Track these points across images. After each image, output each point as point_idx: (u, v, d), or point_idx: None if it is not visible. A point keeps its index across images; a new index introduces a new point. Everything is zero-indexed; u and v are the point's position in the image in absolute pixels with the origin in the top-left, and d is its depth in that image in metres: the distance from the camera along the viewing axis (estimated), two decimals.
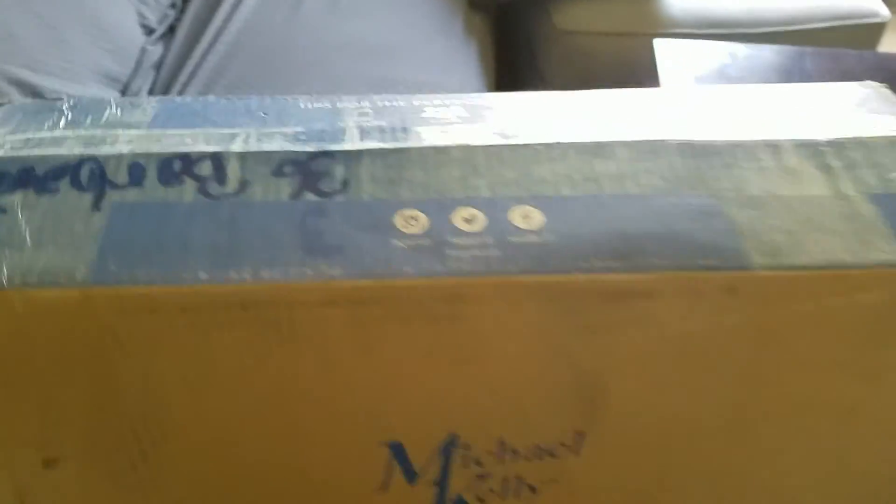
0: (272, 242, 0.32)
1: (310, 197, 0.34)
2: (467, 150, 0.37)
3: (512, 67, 1.75)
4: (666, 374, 0.34)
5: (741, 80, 1.23)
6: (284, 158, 0.36)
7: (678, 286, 0.31)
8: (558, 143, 0.37)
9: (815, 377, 0.34)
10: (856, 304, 0.32)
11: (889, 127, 0.39)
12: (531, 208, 0.34)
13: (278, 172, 0.35)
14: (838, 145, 0.37)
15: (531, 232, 0.33)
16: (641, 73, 1.46)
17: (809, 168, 0.35)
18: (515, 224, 0.33)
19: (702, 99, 0.41)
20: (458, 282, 0.31)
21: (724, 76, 1.23)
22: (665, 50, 1.28)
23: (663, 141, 0.37)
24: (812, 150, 0.37)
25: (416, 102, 0.41)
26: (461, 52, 1.33)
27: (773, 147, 0.37)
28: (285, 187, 0.35)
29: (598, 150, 0.37)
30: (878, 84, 0.45)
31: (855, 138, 0.38)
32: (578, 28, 1.45)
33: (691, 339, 0.33)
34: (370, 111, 0.40)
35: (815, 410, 0.36)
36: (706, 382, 0.34)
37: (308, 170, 0.35)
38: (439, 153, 0.37)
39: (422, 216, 0.33)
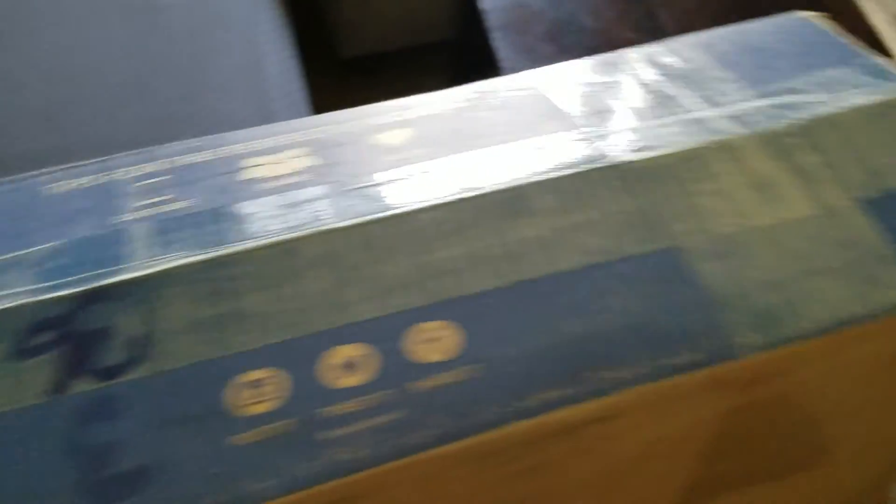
0: (26, 489, 0.19)
1: (82, 387, 0.20)
2: (325, 240, 0.23)
3: None
4: (623, 483, 0.26)
5: None
6: (29, 320, 0.21)
7: (646, 400, 0.22)
8: (455, 200, 0.25)
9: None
10: (862, 356, 0.25)
11: (851, 87, 0.31)
12: (437, 325, 0.22)
13: (21, 350, 0.21)
14: (804, 131, 0.28)
15: (442, 366, 0.22)
16: None
17: (782, 174, 0.26)
18: (417, 358, 0.22)
19: (602, 89, 0.31)
20: (343, 485, 0.19)
21: None
22: None
23: (588, 172, 0.26)
24: (777, 145, 0.28)
25: (229, 151, 0.26)
26: None
27: (728, 151, 0.27)
28: (38, 377, 0.21)
29: (509, 203, 0.25)
30: (812, 14, 0.36)
31: (820, 117, 0.29)
32: None
33: (659, 444, 0.25)
34: (162, 180, 0.25)
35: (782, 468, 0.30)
36: (673, 477, 0.27)
37: (73, 333, 0.21)
38: (284, 253, 0.23)
39: (273, 378, 0.21)
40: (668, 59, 0.33)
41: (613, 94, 0.31)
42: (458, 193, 0.25)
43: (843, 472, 0.32)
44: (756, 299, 0.23)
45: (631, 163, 0.26)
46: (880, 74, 0.31)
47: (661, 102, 0.30)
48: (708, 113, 0.28)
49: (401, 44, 1.56)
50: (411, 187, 0.25)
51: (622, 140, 0.27)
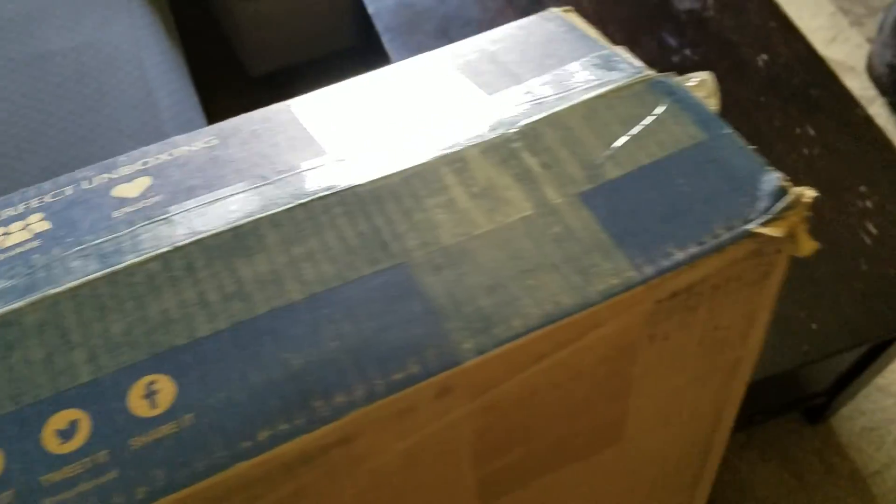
0: None
1: None
2: (48, 306, 0.23)
3: None
4: (402, 496, 0.27)
5: None
6: None
7: (383, 416, 0.23)
8: (184, 245, 0.25)
9: (561, 427, 0.29)
10: (590, 343, 0.26)
11: (579, 82, 0.32)
12: (155, 378, 0.22)
13: None
14: (531, 134, 0.30)
15: (158, 420, 0.22)
16: None
17: (506, 180, 0.28)
18: (137, 414, 0.22)
19: (333, 109, 0.32)
20: None
21: None
22: None
23: (322, 199, 0.27)
24: (503, 151, 0.29)
25: None
26: None
27: (458, 163, 0.29)
28: None
29: (237, 242, 0.26)
30: (561, 11, 0.38)
31: (547, 116, 0.31)
32: None
33: (418, 454, 0.26)
34: None
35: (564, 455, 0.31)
36: (427, 485, 0.28)
37: None
38: (3, 325, 0.23)
39: None
40: (418, 76, 0.34)
41: (366, 114, 0.32)
42: (186, 238, 0.26)
43: (650, 442, 0.34)
44: (476, 305, 0.25)
45: (365, 185, 0.27)
46: (611, 66, 0.33)
47: (402, 119, 0.31)
48: (442, 126, 0.30)
49: (308, 56, 1.56)
50: (142, 239, 0.25)
51: (364, 162, 0.29)
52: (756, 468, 1.19)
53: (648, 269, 0.26)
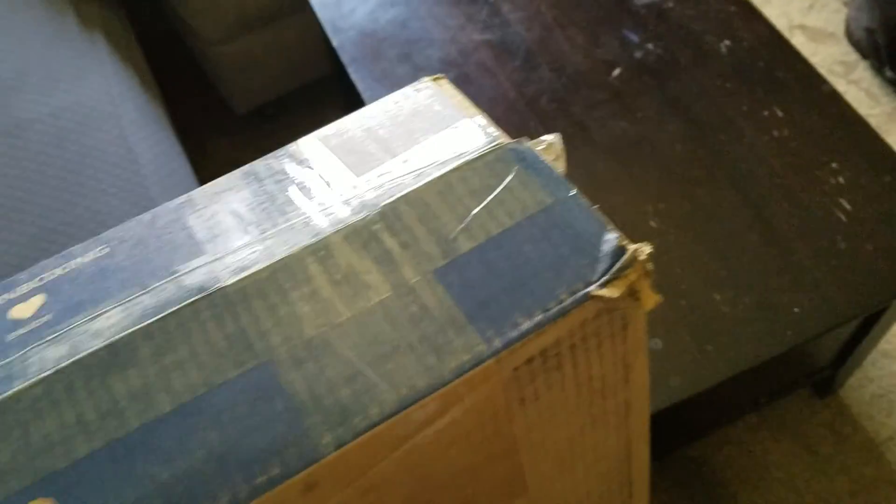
0: None
1: None
2: None
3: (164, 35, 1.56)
4: None
5: None
6: None
7: None
8: (66, 367, 0.26)
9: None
10: (455, 417, 0.28)
11: (438, 157, 0.33)
12: (42, 502, 0.23)
13: None
14: (391, 214, 0.31)
15: None
16: None
17: (366, 263, 0.29)
18: None
19: (214, 205, 0.33)
20: None
21: None
22: None
23: (192, 305, 0.28)
24: (365, 234, 0.31)
25: None
26: (95, 53, 1.14)
27: (322, 251, 0.30)
28: None
29: (112, 358, 0.27)
30: (432, 80, 0.39)
31: (406, 195, 0.32)
32: None
33: None
34: None
35: None
36: None
37: None
38: None
39: None
40: (293, 163, 0.35)
41: (244, 207, 0.33)
42: (68, 359, 0.27)
43: (561, 486, 0.35)
44: (335, 397, 0.26)
45: (234, 284, 0.29)
46: (469, 137, 0.34)
47: (277, 211, 0.32)
48: (310, 215, 0.31)
49: (290, 87, 1.59)
50: (31, 363, 0.27)
51: (236, 259, 0.30)
52: (770, 448, 1.19)
53: (497, 342, 0.27)
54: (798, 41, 1.73)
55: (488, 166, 0.33)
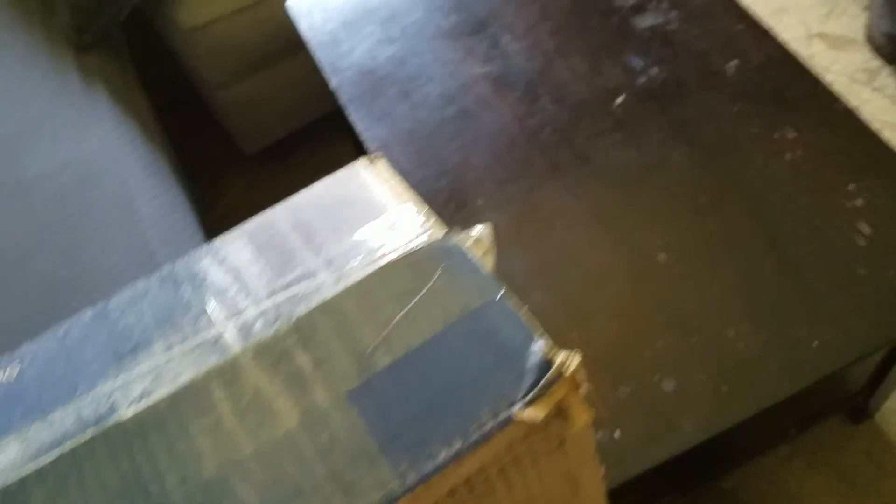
0: None
1: None
2: None
3: (173, 89, 1.58)
4: None
5: (388, 2, 1.15)
6: None
7: None
8: None
9: None
10: None
11: (361, 255, 0.31)
12: None
13: None
14: (306, 327, 0.29)
15: None
16: (297, 39, 1.34)
17: (276, 387, 0.27)
18: None
19: (122, 323, 0.30)
20: None
21: (365, 7, 1.15)
22: (301, 8, 1.18)
23: (88, 443, 0.25)
24: (276, 351, 0.28)
25: None
26: (93, 108, 1.15)
27: (230, 372, 0.27)
28: None
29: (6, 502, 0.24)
30: (371, 159, 0.37)
31: (323, 304, 0.30)
32: (204, 18, 1.26)
33: None
34: None
35: None
36: None
37: None
38: None
39: None
40: (215, 264, 0.33)
41: (153, 322, 0.31)
42: None
43: None
44: None
45: (132, 417, 0.27)
46: (396, 230, 0.32)
47: (188, 323, 0.30)
48: (222, 328, 0.29)
49: (299, 124, 1.58)
50: None
51: (137, 388, 0.28)
52: (805, 478, 1.14)
53: (412, 477, 0.25)
54: (817, 49, 1.68)
55: (412, 267, 0.30)
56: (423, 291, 0.29)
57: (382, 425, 0.26)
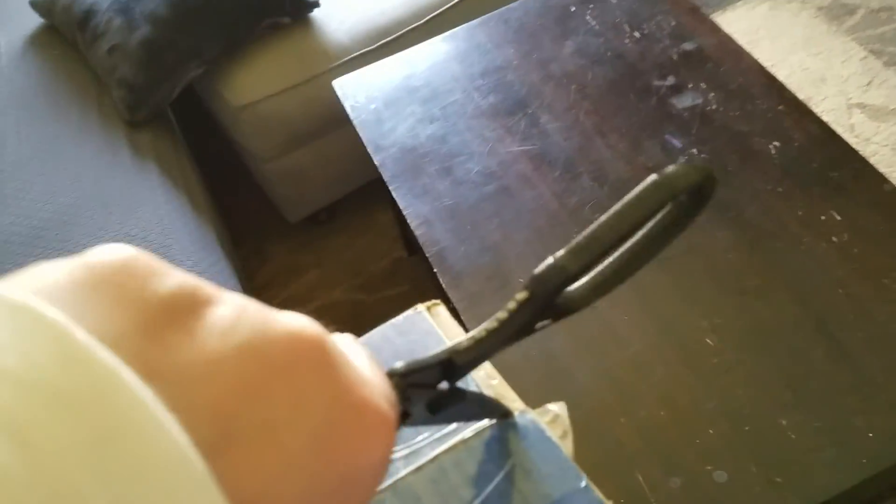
0: None
1: None
2: None
3: (219, 163, 1.62)
4: None
5: (425, 75, 1.18)
6: None
7: None
8: None
9: None
10: None
11: (437, 428, 0.31)
12: None
13: None
14: None
15: None
16: (341, 114, 1.38)
17: None
18: None
19: None
20: None
21: (407, 87, 1.18)
22: (346, 88, 1.21)
23: None
24: None
25: None
26: (150, 186, 1.18)
27: None
28: None
29: None
30: (426, 307, 0.37)
31: (396, 483, 0.29)
32: (253, 97, 1.28)
33: None
34: None
35: None
36: None
37: None
38: None
39: None
40: None
41: None
42: None
43: None
44: None
45: None
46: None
47: None
48: None
49: (341, 193, 1.61)
50: None
51: None
52: None
53: None
54: (858, 119, 1.68)
55: (487, 446, 0.30)
56: (500, 477, 0.29)
57: None
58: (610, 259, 0.30)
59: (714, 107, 1.07)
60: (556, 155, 1.05)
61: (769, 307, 0.85)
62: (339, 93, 1.22)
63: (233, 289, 1.20)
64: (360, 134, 1.15)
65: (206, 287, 0.18)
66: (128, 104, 1.23)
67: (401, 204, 1.05)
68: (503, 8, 1.29)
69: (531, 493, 0.29)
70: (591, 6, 1.25)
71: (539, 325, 0.29)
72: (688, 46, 1.16)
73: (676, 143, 1.04)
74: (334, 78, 1.27)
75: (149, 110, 1.26)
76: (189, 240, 1.12)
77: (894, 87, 1.71)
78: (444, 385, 0.29)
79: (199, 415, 0.16)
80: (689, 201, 0.28)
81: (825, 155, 0.98)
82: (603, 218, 0.26)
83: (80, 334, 0.14)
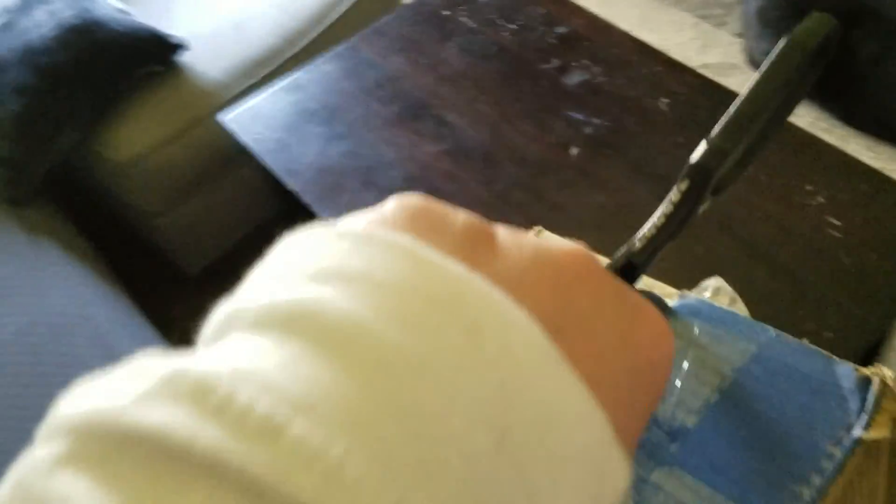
0: None
1: None
2: None
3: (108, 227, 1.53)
4: None
5: (320, 96, 1.18)
6: None
7: None
8: None
9: None
10: None
11: None
12: None
13: None
14: None
15: None
16: (232, 154, 1.34)
17: None
18: None
19: None
20: None
21: (305, 111, 1.17)
22: (241, 123, 1.18)
23: None
24: None
25: None
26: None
27: None
28: None
29: None
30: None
31: None
32: (138, 151, 1.22)
33: None
34: None
35: None
36: None
37: None
38: None
39: None
40: None
41: None
42: None
43: None
44: None
45: None
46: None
47: None
48: None
49: (239, 236, 1.56)
50: None
51: None
52: None
53: None
54: None
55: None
56: (693, 348, 0.30)
57: (723, 483, 0.26)
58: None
59: (601, 79, 1.14)
60: (472, 148, 1.08)
61: (703, 243, 0.92)
62: (235, 129, 1.19)
63: (156, 347, 1.14)
64: (269, 164, 1.13)
65: (478, 218, 0.20)
66: (7, 181, 1.15)
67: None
68: (377, 23, 1.31)
69: (732, 355, 0.30)
70: (463, 7, 1.30)
71: (701, 209, 0.30)
72: (562, 30, 1.23)
73: (578, 116, 1.10)
74: (220, 118, 1.24)
75: (31, 185, 1.17)
76: (108, 308, 1.06)
77: (728, 45, 1.88)
78: None
79: (530, 314, 0.17)
80: (817, 55, 0.29)
81: (709, 102, 1.07)
82: (745, 91, 0.27)
83: (427, 250, 0.17)
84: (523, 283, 0.18)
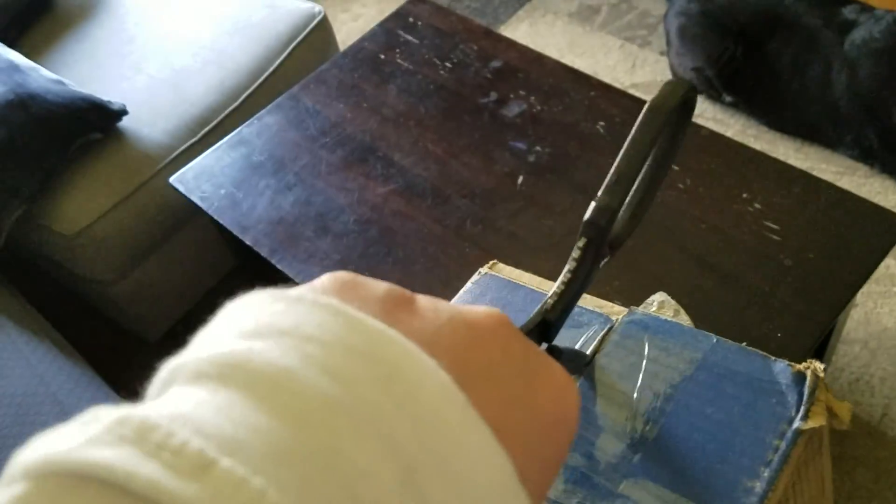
0: None
1: None
2: None
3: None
4: None
5: (265, 149, 1.19)
6: None
7: None
8: None
9: None
10: None
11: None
12: None
13: None
14: None
15: None
16: (182, 214, 1.34)
17: None
18: None
19: None
20: None
21: (252, 164, 1.18)
22: (187, 182, 1.18)
23: None
24: None
25: None
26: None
27: None
28: None
29: None
30: (488, 268, 0.41)
31: None
32: (85, 221, 1.22)
33: None
34: None
35: None
36: None
37: None
38: None
39: None
40: None
41: None
42: None
43: None
44: None
45: None
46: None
47: None
48: None
49: (196, 297, 1.55)
50: None
51: None
52: None
53: None
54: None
55: (618, 345, 0.33)
56: (645, 363, 0.32)
57: (680, 485, 0.28)
58: (633, 189, 0.35)
59: (539, 108, 1.18)
60: (422, 185, 1.11)
61: (653, 258, 0.95)
62: (182, 188, 1.19)
63: None
64: (221, 221, 1.13)
65: (400, 288, 0.23)
66: None
67: (289, 273, 1.05)
68: (315, 72, 1.34)
69: (679, 364, 0.32)
70: (398, 50, 1.33)
71: (601, 263, 0.32)
72: (496, 64, 1.27)
73: (521, 145, 1.13)
74: (165, 180, 1.24)
75: None
76: (73, 384, 1.04)
77: (654, 63, 1.96)
78: (542, 347, 0.32)
79: (441, 364, 0.20)
80: (679, 114, 0.33)
81: None
82: (621, 154, 0.30)
83: (351, 309, 0.20)
84: (437, 339, 0.21)
